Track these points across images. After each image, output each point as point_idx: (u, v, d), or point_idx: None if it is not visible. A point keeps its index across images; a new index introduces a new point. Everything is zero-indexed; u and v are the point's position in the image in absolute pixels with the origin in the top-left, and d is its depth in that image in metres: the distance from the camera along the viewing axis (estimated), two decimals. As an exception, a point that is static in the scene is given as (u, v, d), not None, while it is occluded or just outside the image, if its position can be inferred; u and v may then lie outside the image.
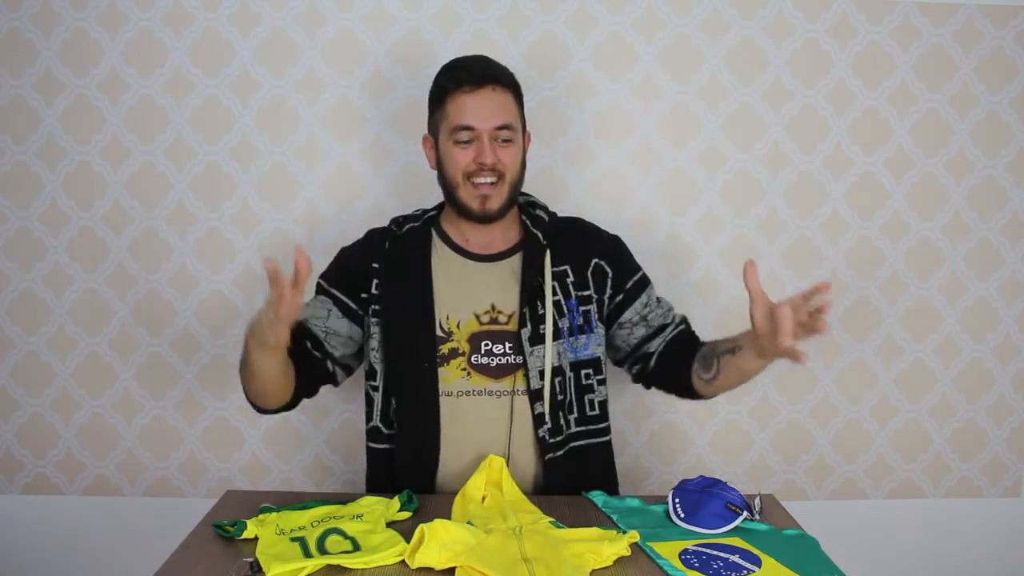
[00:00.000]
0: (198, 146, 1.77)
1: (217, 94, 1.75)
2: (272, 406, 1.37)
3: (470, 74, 1.36)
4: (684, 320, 1.49)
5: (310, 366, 1.39)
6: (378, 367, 1.43)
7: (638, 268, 1.50)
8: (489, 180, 1.37)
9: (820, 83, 1.80)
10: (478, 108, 1.35)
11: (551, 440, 1.38)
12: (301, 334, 1.38)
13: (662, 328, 1.47)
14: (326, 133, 1.77)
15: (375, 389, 1.44)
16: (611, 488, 1.49)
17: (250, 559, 1.08)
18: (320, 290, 1.46)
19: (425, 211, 1.50)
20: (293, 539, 1.13)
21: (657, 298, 1.50)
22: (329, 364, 1.41)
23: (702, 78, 1.79)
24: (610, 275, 1.46)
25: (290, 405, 1.40)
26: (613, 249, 1.49)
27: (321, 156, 1.78)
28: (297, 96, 1.76)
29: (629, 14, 1.76)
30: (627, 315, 1.47)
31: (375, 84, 1.76)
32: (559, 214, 1.52)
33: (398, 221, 1.49)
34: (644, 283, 1.49)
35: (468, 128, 1.35)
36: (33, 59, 1.74)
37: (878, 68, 1.81)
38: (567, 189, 1.79)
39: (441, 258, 1.44)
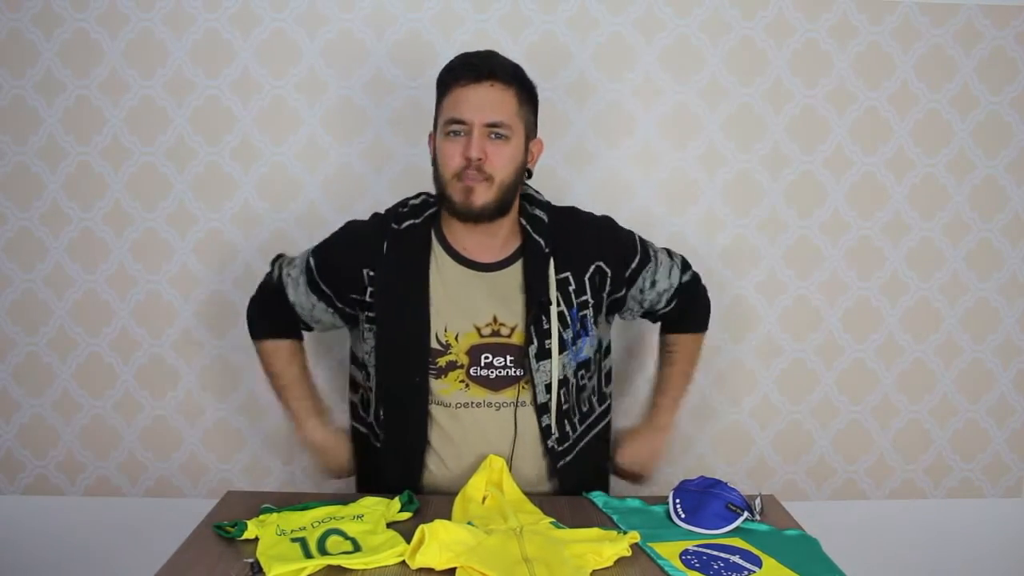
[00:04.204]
0: (199, 147, 1.77)
1: (218, 95, 1.75)
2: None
3: (470, 68, 1.33)
4: (675, 295, 1.52)
5: (296, 326, 1.53)
6: (371, 371, 1.42)
7: (633, 251, 1.47)
8: (476, 176, 1.31)
9: (820, 83, 1.80)
10: (472, 101, 1.31)
11: (560, 448, 1.38)
12: (287, 309, 1.49)
13: (654, 310, 1.54)
14: (327, 134, 1.77)
15: (369, 390, 1.44)
16: (591, 472, 1.50)
17: (251, 559, 1.08)
18: (310, 279, 1.44)
19: (427, 201, 1.44)
20: (294, 540, 1.13)
21: (653, 280, 1.49)
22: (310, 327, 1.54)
23: (702, 78, 1.79)
24: (609, 274, 1.43)
25: None
26: (608, 242, 1.45)
27: (322, 157, 1.78)
28: (298, 97, 1.76)
29: (629, 14, 1.76)
30: (627, 303, 1.49)
31: (376, 85, 1.76)
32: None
33: (398, 214, 1.42)
34: (641, 266, 1.47)
35: (459, 121, 1.31)
36: (34, 60, 1.74)
37: (878, 68, 1.81)
38: (567, 189, 1.79)
39: (440, 266, 1.39)
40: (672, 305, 1.53)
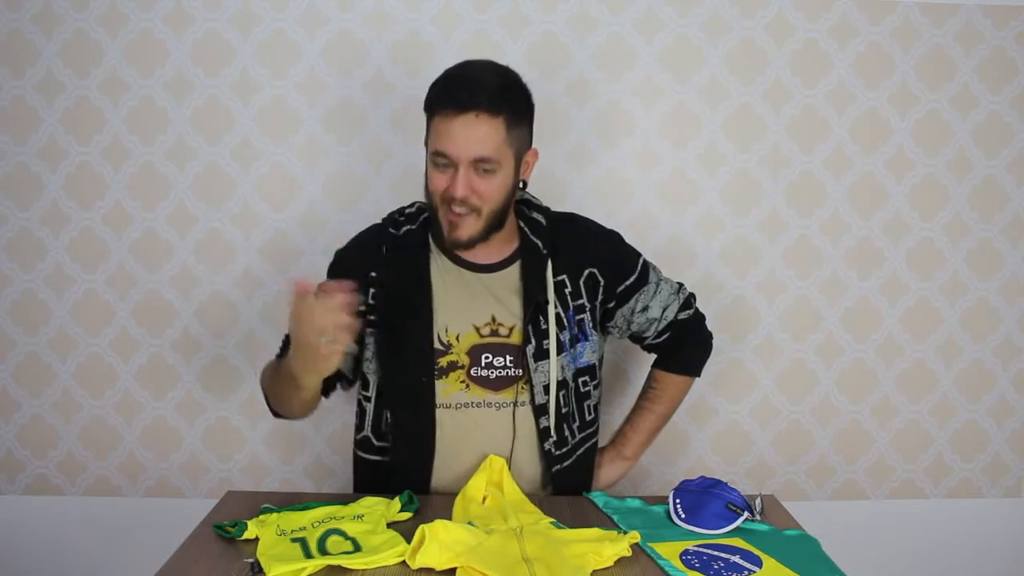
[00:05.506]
0: (199, 147, 1.77)
1: (218, 94, 1.75)
2: (298, 416, 1.42)
3: (455, 98, 1.26)
4: (667, 328, 1.49)
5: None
6: (371, 378, 1.40)
7: (632, 270, 1.45)
8: (462, 211, 1.30)
9: (820, 83, 1.80)
10: (456, 137, 1.26)
11: (557, 452, 1.38)
12: None
13: (641, 337, 1.52)
14: (327, 134, 1.77)
15: (367, 400, 1.42)
16: (587, 479, 1.49)
17: (251, 559, 1.08)
18: None
19: (422, 208, 1.43)
20: (294, 540, 1.13)
21: (645, 306, 1.46)
22: (340, 375, 1.42)
23: (702, 78, 1.79)
24: (602, 284, 1.42)
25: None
26: (607, 253, 1.45)
27: (322, 156, 1.78)
28: (298, 97, 1.76)
29: (629, 14, 1.76)
30: (616, 319, 1.47)
31: (376, 84, 1.76)
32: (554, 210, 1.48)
33: (395, 220, 1.42)
34: (636, 287, 1.45)
35: (444, 155, 1.28)
36: (34, 60, 1.74)
37: (878, 68, 1.81)
38: (567, 189, 1.79)
39: (440, 268, 1.39)
40: (663, 339, 1.50)
